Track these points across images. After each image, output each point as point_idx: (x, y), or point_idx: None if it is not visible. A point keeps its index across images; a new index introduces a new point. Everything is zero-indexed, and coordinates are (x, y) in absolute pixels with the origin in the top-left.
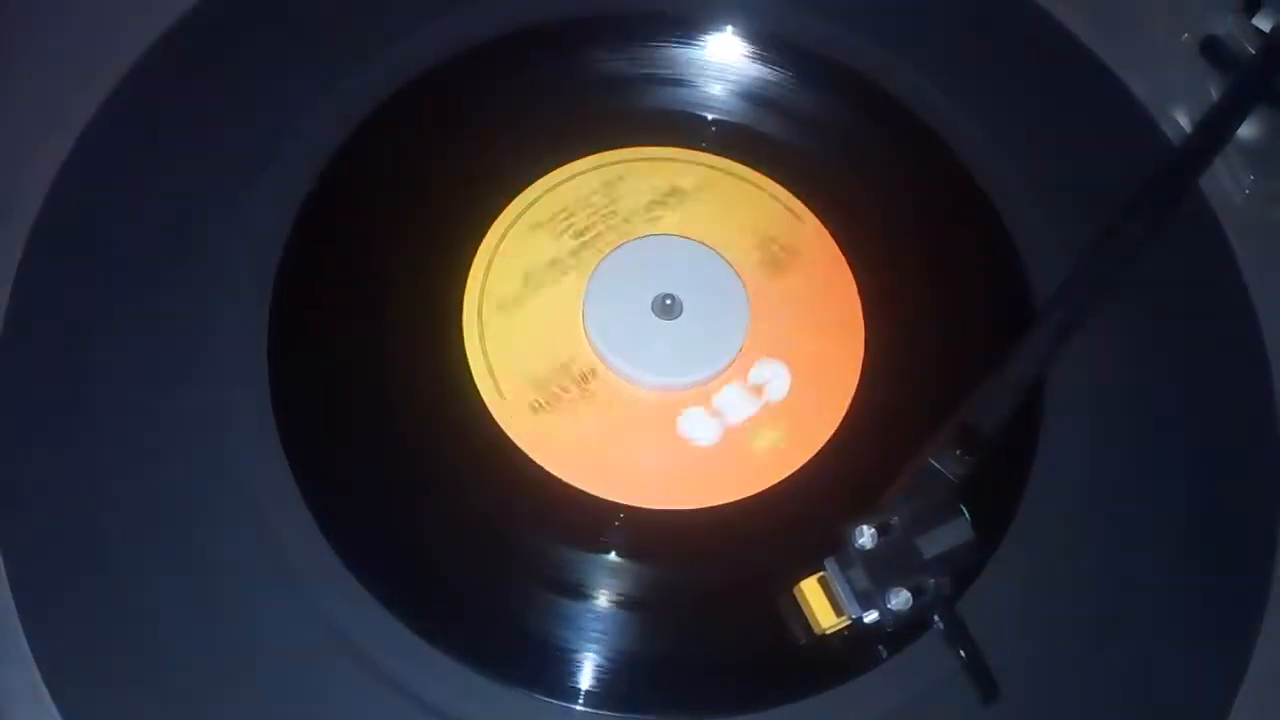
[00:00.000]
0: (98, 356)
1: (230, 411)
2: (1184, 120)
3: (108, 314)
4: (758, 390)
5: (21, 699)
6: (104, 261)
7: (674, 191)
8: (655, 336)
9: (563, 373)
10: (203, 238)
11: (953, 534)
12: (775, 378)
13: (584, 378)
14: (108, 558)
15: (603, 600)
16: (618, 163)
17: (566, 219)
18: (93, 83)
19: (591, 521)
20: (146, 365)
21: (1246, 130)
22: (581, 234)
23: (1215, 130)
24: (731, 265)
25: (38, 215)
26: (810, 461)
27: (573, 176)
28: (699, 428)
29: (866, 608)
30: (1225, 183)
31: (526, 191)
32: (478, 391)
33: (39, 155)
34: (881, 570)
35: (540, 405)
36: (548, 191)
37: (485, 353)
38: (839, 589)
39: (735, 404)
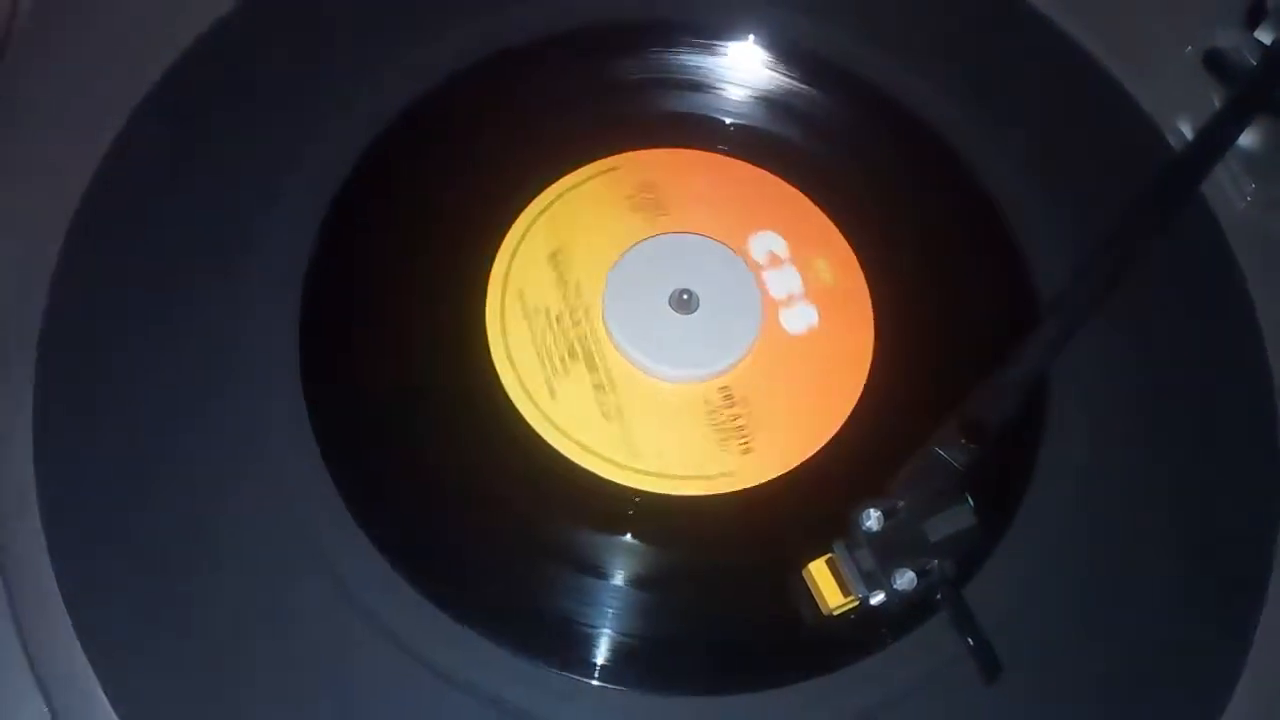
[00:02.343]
0: (133, 360)
1: (265, 411)
2: (1188, 129)
3: (143, 318)
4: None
5: (70, 688)
6: (138, 268)
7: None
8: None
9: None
10: (236, 241)
11: (957, 519)
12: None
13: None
14: (151, 554)
15: (619, 580)
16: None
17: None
18: (122, 93)
19: (609, 505)
20: (183, 364)
21: (1248, 139)
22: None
23: (1216, 138)
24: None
25: (70, 224)
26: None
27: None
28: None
29: (873, 588)
30: (1227, 190)
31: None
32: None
33: (71, 166)
34: (887, 552)
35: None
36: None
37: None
38: (846, 570)
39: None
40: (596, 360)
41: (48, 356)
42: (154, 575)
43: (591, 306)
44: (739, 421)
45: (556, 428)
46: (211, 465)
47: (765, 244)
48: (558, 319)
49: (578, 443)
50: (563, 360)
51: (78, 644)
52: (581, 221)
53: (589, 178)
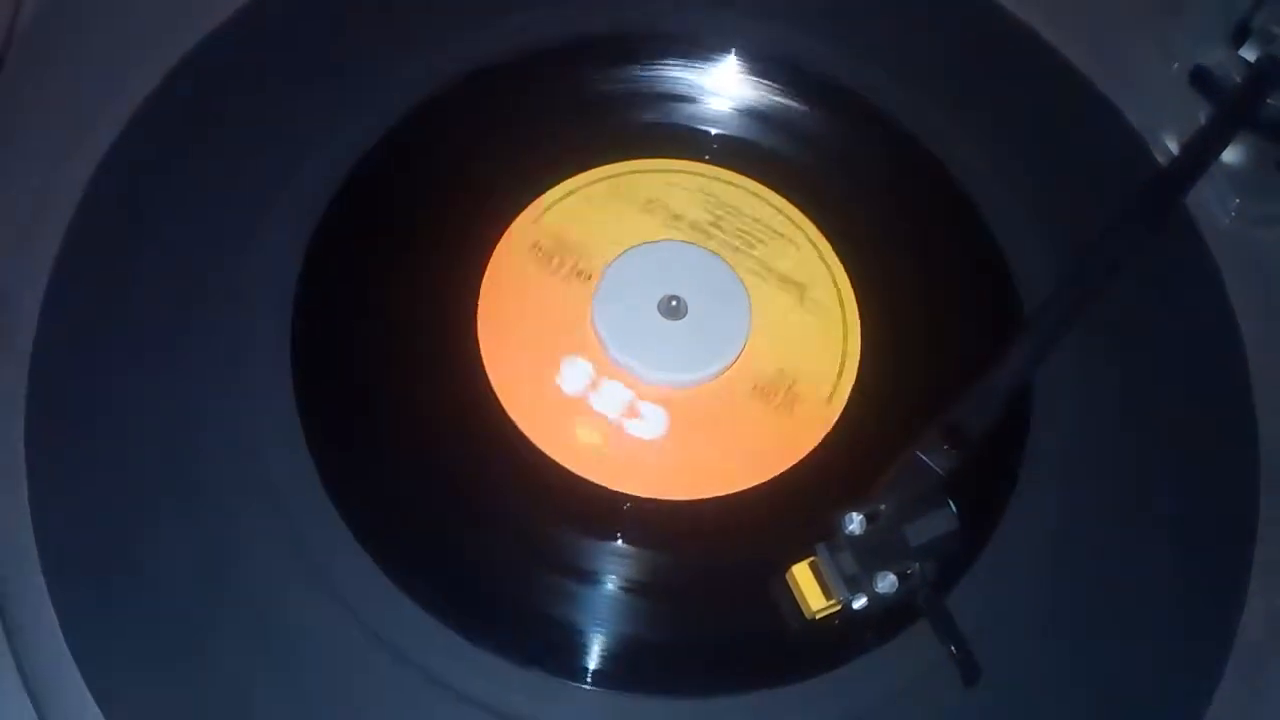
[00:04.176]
0: (127, 366)
1: (258, 413)
2: (1173, 144)
3: (139, 322)
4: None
5: (58, 690)
6: (133, 271)
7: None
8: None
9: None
10: (229, 248)
11: (939, 523)
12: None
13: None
14: (142, 557)
15: (609, 585)
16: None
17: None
18: (117, 100)
19: (599, 511)
20: (177, 372)
21: (1233, 155)
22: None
23: (1201, 152)
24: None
25: (68, 226)
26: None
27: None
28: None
29: (854, 591)
30: (1212, 205)
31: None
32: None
33: (66, 172)
34: (869, 556)
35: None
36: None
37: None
38: (829, 573)
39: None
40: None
41: (42, 361)
42: (149, 593)
43: None
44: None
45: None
46: (206, 477)
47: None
48: None
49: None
50: None
51: (68, 654)
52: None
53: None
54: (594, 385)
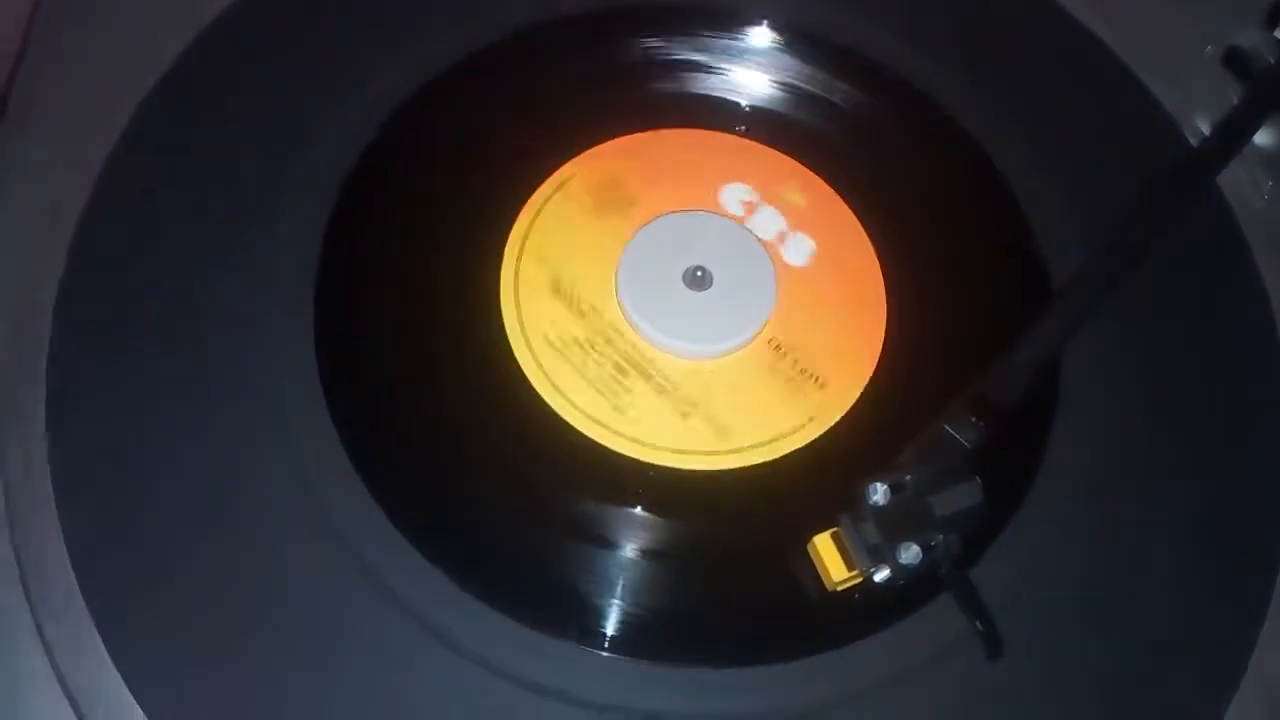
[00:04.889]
0: (145, 355)
1: (280, 392)
2: (1206, 126)
3: (154, 314)
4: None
5: (87, 668)
6: (153, 251)
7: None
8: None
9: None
10: (247, 231)
11: (964, 496)
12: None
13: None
14: (168, 539)
15: (627, 552)
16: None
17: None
18: (125, 94)
19: (622, 478)
20: (195, 359)
21: (1267, 138)
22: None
23: (1233, 133)
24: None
25: (82, 213)
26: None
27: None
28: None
29: (877, 562)
30: (1245, 188)
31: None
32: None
33: (78, 165)
34: (893, 526)
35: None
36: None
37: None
38: (851, 544)
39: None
40: (647, 368)
41: (60, 349)
42: (177, 579)
43: (616, 322)
44: (800, 366)
45: (640, 442)
46: (230, 464)
47: (734, 194)
48: (591, 345)
49: (667, 449)
50: (616, 380)
51: (102, 647)
52: (561, 245)
53: (547, 197)
54: None
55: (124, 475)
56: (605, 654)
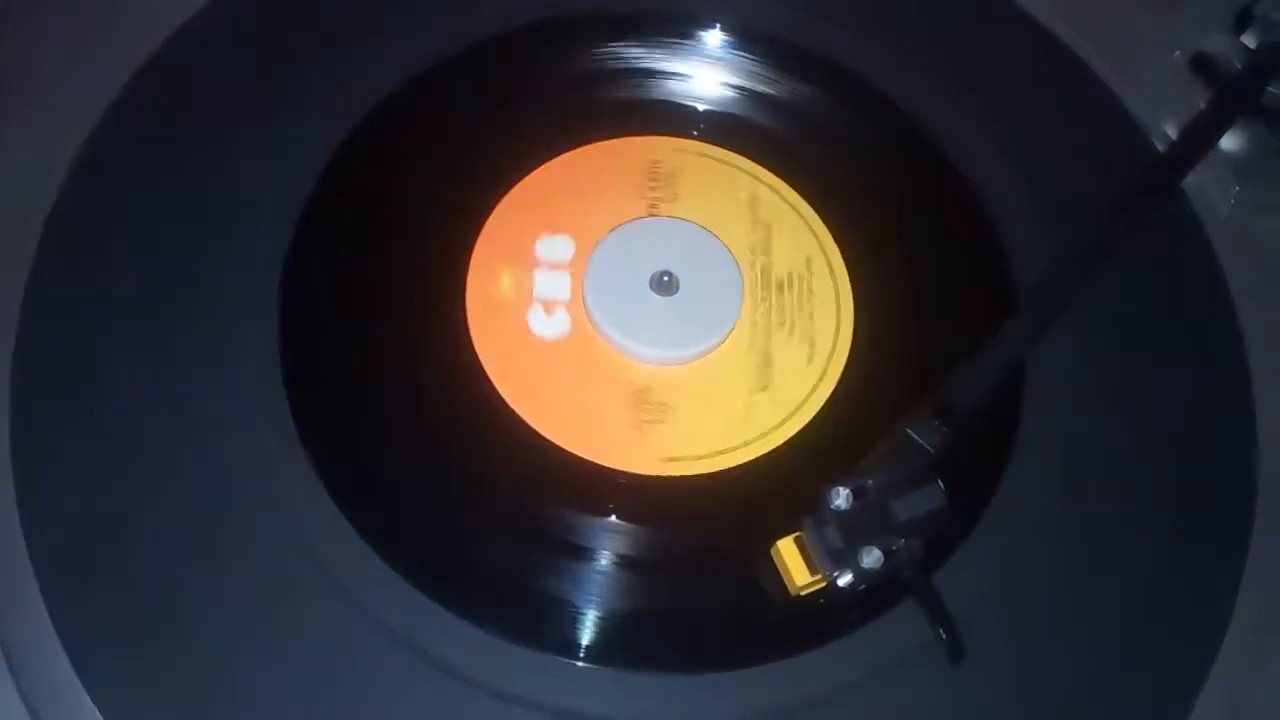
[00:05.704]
0: (114, 358)
1: (249, 406)
2: (1173, 131)
3: (124, 314)
4: None
5: (55, 690)
6: (116, 264)
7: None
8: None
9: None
10: (214, 237)
11: (926, 499)
12: None
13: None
14: (135, 553)
15: (594, 560)
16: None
17: None
18: (93, 95)
19: (592, 487)
20: (164, 358)
21: (1233, 142)
22: None
23: (1200, 137)
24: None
25: (45, 222)
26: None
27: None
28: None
29: (840, 567)
30: (1211, 192)
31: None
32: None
33: (48, 161)
34: (856, 531)
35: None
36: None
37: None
38: (814, 548)
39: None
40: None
41: (26, 355)
42: (135, 570)
43: None
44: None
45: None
46: (199, 475)
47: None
48: None
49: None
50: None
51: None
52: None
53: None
54: None
55: (87, 477)
56: (571, 661)
